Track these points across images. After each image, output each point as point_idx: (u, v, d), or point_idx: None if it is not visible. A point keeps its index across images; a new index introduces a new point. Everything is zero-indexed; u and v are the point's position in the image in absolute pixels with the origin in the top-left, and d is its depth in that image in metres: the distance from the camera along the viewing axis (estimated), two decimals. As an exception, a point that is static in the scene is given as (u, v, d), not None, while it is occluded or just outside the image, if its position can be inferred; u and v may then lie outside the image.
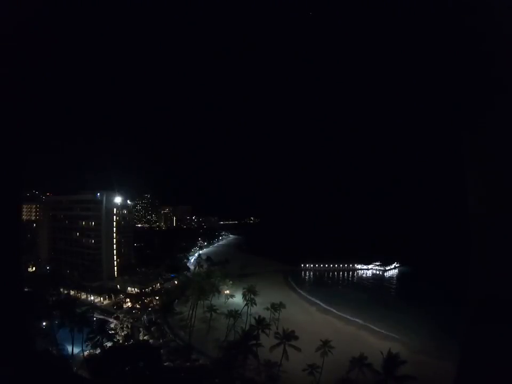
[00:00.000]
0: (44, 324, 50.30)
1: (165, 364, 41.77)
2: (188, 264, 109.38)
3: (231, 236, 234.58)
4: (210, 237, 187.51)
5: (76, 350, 44.75)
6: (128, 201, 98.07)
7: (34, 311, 46.07)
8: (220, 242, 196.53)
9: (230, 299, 70.88)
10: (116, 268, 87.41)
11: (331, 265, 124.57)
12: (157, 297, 69.93)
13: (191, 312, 60.02)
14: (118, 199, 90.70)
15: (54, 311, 51.31)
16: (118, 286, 78.26)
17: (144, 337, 52.81)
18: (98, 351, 43.09)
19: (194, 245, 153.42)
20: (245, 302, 63.67)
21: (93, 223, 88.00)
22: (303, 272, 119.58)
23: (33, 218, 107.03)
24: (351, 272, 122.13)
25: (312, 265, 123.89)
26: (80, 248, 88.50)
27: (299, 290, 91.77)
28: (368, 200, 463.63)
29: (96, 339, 43.43)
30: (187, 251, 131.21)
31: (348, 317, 68.89)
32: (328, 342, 44.02)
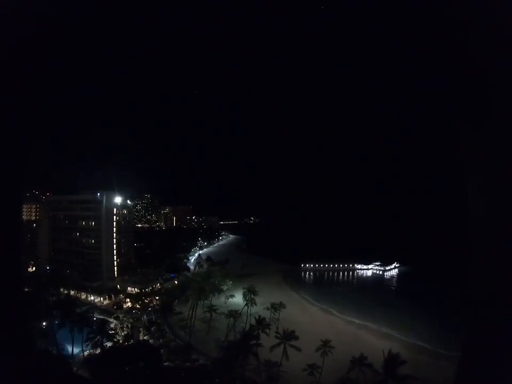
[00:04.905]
0: (44, 323, 50.29)
1: (165, 363, 41.77)
2: (187, 264, 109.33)
3: (231, 235, 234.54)
4: (210, 237, 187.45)
5: (76, 350, 44.75)
6: (128, 201, 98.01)
7: (34, 311, 46.05)
8: (220, 242, 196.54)
9: (230, 299, 70.86)
10: (115, 267, 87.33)
11: (331, 265, 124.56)
12: (157, 297, 69.90)
13: (191, 312, 60.02)
14: (118, 199, 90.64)
15: (54, 311, 51.34)
16: (118, 286, 78.21)
17: (144, 337, 52.80)
18: (98, 351, 43.09)
19: (194, 245, 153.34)
20: (245, 302, 63.68)
21: (93, 223, 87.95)
22: (303, 272, 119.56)
23: (33, 218, 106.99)
24: (351, 272, 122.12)
25: (312, 265, 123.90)
26: (80, 248, 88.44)
27: (299, 290, 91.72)
28: (368, 200, 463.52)
29: (96, 339, 43.46)
30: (187, 251, 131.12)
31: (348, 317, 68.88)
32: (328, 342, 44.04)
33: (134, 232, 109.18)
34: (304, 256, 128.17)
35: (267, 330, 48.24)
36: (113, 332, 50.46)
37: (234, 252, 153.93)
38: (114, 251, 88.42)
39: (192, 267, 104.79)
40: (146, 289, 73.26)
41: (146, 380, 34.46)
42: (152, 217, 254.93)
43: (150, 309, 63.82)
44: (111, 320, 57.93)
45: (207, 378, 38.17)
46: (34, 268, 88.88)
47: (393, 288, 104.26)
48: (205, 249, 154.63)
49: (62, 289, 72.00)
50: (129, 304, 68.13)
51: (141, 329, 56.11)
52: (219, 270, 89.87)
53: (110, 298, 73.02)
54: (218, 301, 68.66)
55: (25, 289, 48.65)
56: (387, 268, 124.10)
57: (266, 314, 56.92)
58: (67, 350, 44.94)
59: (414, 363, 40.48)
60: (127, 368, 35.73)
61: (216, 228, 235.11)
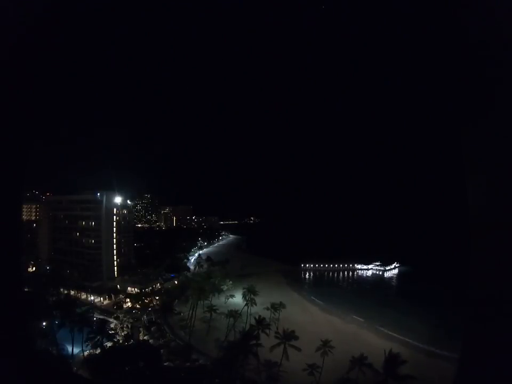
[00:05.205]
0: (44, 323, 50.30)
1: (165, 363, 41.80)
2: (187, 264, 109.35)
3: (231, 235, 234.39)
4: (210, 237, 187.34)
5: (76, 350, 44.77)
6: (128, 201, 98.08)
7: (34, 311, 46.09)
8: (220, 242, 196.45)
9: (230, 299, 70.88)
10: (115, 267, 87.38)
11: (331, 265, 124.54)
12: (157, 297, 69.93)
13: (191, 312, 60.05)
14: (118, 199, 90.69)
15: (54, 311, 51.37)
16: (118, 286, 78.25)
17: (144, 337, 52.83)
18: (98, 351, 43.10)
19: (194, 245, 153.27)
20: (245, 302, 63.70)
21: (93, 223, 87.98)
22: (303, 272, 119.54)
23: (33, 218, 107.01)
24: (351, 272, 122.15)
25: (312, 265, 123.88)
26: (80, 248, 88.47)
27: (299, 290, 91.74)
28: (368, 199, 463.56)
29: (96, 339, 43.50)
30: (187, 251, 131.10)
31: (348, 316, 68.85)
32: (328, 341, 44.05)
33: (134, 232, 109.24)
34: (304, 256, 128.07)
35: (267, 330, 48.26)
36: (113, 332, 50.46)
37: (234, 252, 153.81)
38: (114, 251, 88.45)
39: (192, 267, 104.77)
40: (146, 289, 73.29)
41: (146, 380, 34.49)
42: (152, 217, 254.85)
43: (150, 309, 63.83)
44: (111, 320, 57.94)
45: (207, 378, 38.21)
46: (34, 268, 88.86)
47: (393, 288, 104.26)
48: (205, 249, 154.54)
49: (62, 289, 71.99)
50: (129, 304, 68.14)
51: (141, 329, 56.12)
52: (219, 270, 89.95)
53: (110, 298, 73.03)
54: (218, 301, 68.66)
55: (25, 289, 48.65)
56: (387, 268, 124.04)
57: (266, 314, 56.92)
58: (67, 350, 44.93)
59: (414, 363, 40.51)
60: (127, 368, 35.77)
61: (216, 228, 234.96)
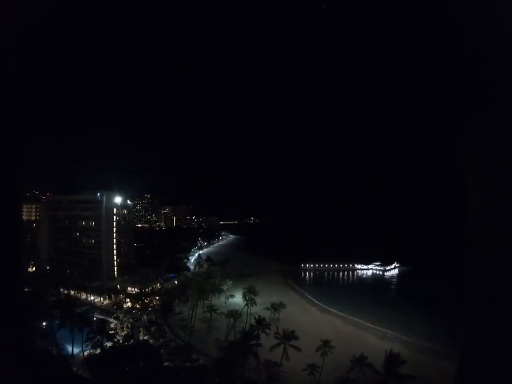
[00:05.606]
0: (44, 323, 50.31)
1: (165, 363, 41.79)
2: (187, 264, 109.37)
3: (231, 235, 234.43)
4: (210, 237, 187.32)
5: (76, 350, 44.76)
6: (128, 201, 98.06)
7: (34, 311, 46.09)
8: (220, 242, 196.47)
9: (230, 299, 70.86)
10: (115, 267, 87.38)
11: (331, 265, 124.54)
12: (157, 297, 69.93)
13: (191, 312, 60.04)
14: (118, 199, 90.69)
15: (54, 311, 51.38)
16: (118, 286, 78.25)
17: (144, 337, 52.82)
18: (98, 351, 43.10)
19: (194, 245, 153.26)
20: (245, 302, 63.68)
21: (93, 223, 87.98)
22: (303, 272, 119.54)
23: (33, 218, 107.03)
24: (351, 272, 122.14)
25: (312, 265, 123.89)
26: (80, 248, 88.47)
27: (299, 290, 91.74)
28: (368, 199, 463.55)
29: (96, 339, 43.50)
30: (187, 251, 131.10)
31: (348, 316, 68.85)
32: (328, 342, 44.04)
33: (134, 232, 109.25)
34: (304, 256, 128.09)
35: (267, 330, 48.22)
36: (113, 332, 50.45)
37: (234, 252, 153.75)
38: (114, 251, 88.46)
39: (192, 267, 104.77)
40: (146, 289, 73.27)
41: (146, 380, 34.48)
42: (152, 217, 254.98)
43: (150, 309, 63.81)
44: (111, 320, 57.93)
45: (207, 378, 38.19)
46: (34, 268, 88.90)
47: (393, 288, 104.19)
48: (205, 249, 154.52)
49: (62, 289, 71.98)
50: (129, 304, 68.13)
51: (141, 329, 56.12)
52: (219, 270, 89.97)
53: (110, 298, 73.03)
54: (218, 301, 68.64)
55: (25, 289, 48.65)
56: (387, 268, 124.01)
57: (266, 314, 56.89)
58: (67, 350, 44.93)
59: (414, 363, 40.49)
60: (127, 368, 35.77)
61: (216, 228, 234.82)
